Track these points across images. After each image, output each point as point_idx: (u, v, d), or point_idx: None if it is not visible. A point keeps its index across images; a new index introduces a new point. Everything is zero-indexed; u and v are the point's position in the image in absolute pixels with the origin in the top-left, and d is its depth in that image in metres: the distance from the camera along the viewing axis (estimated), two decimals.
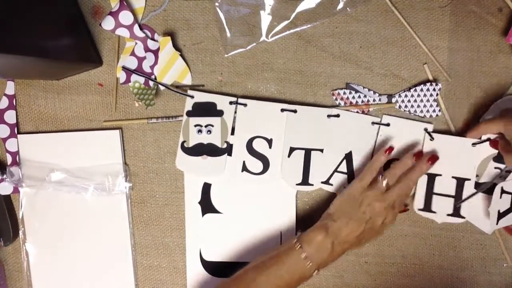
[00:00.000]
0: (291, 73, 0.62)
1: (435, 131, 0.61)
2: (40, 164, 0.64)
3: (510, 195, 0.57)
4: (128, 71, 0.61)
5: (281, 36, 0.62)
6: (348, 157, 0.61)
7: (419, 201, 0.60)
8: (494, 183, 0.58)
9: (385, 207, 0.54)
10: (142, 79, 0.61)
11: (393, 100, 0.61)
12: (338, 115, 0.60)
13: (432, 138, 0.59)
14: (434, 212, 0.60)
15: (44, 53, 0.53)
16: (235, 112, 0.60)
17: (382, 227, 0.55)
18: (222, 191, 0.63)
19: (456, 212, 0.60)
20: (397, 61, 0.61)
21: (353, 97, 0.61)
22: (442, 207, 0.60)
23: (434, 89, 0.60)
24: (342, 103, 0.62)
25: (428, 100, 0.61)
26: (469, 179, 0.59)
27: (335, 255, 0.54)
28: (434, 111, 0.61)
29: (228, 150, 0.61)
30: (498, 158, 0.58)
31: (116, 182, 0.63)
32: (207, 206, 0.64)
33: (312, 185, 0.61)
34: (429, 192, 0.59)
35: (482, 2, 0.60)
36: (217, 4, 0.61)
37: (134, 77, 0.61)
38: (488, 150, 0.58)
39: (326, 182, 0.61)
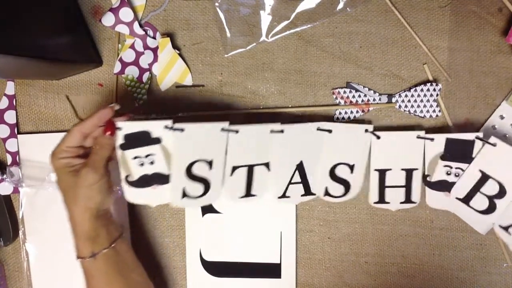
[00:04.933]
0: (291, 73, 0.62)
1: (378, 128, 0.59)
2: (40, 164, 0.64)
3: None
4: (123, 62, 0.61)
5: (281, 36, 0.62)
6: (300, 167, 0.59)
7: (373, 195, 0.61)
8: (445, 180, 0.59)
9: None
10: (136, 73, 0.61)
11: (393, 100, 0.61)
12: (282, 131, 0.56)
13: (378, 137, 0.59)
14: (388, 203, 0.61)
15: (44, 53, 0.53)
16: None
17: None
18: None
19: (408, 199, 0.60)
20: (397, 61, 0.61)
21: (353, 96, 0.62)
22: (395, 197, 0.61)
23: (434, 90, 0.60)
24: (342, 102, 0.62)
25: (428, 101, 0.61)
26: (417, 169, 0.60)
27: None
28: (434, 111, 0.61)
29: None
30: (444, 156, 0.58)
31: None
32: (207, 206, 0.63)
33: (255, 195, 0.59)
34: (382, 186, 0.60)
35: (482, 2, 0.60)
36: (217, 4, 0.61)
37: (129, 69, 0.61)
38: (434, 149, 0.58)
39: (283, 196, 0.60)
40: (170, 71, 0.62)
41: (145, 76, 0.62)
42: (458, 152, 0.58)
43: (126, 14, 0.59)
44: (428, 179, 0.60)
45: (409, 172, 0.60)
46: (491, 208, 0.58)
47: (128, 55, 0.61)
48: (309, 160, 0.59)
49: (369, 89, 0.62)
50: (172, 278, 0.66)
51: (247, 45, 0.62)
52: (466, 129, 0.61)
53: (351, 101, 0.62)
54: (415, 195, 0.60)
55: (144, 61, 0.62)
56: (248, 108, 0.63)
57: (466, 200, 0.59)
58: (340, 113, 0.62)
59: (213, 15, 0.62)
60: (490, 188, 0.57)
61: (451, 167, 0.58)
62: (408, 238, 0.63)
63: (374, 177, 0.60)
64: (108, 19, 0.59)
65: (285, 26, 0.61)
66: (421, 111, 0.61)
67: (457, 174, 0.58)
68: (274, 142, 0.57)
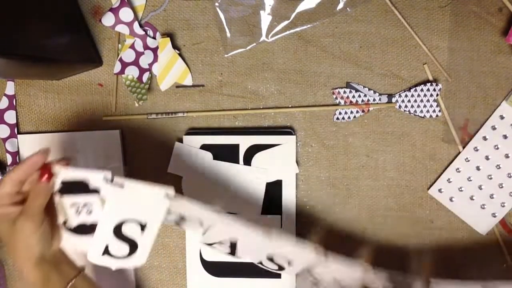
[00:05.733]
0: (291, 73, 0.62)
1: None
2: None
3: None
4: (123, 62, 0.61)
5: (281, 36, 0.62)
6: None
7: None
8: None
9: None
10: (136, 73, 0.61)
11: (393, 100, 0.61)
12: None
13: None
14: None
15: (44, 53, 0.53)
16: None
17: None
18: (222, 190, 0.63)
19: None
20: (397, 61, 0.61)
21: (353, 96, 0.62)
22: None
23: (434, 89, 0.60)
24: (342, 102, 0.62)
25: (428, 100, 0.61)
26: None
27: None
28: (434, 111, 0.61)
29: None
30: None
31: None
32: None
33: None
34: None
35: (482, 2, 0.60)
36: (217, 4, 0.61)
37: (129, 69, 0.61)
38: None
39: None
40: (170, 71, 0.62)
41: (145, 76, 0.62)
42: None
43: (126, 14, 0.59)
44: None
45: None
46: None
47: (128, 55, 0.61)
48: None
49: (369, 89, 0.62)
50: (172, 278, 0.66)
51: (247, 45, 0.62)
52: (466, 129, 0.61)
53: (351, 101, 0.62)
54: None
55: (144, 61, 0.62)
56: (248, 108, 0.63)
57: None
58: (340, 113, 0.62)
59: (213, 15, 0.62)
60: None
61: None
62: (408, 238, 0.63)
63: None
64: (108, 19, 0.59)
65: (285, 26, 0.61)
66: (421, 111, 0.61)
67: None
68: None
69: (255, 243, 0.52)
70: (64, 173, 0.48)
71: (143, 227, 0.50)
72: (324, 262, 0.50)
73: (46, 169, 0.48)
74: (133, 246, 0.51)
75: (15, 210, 0.47)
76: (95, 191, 0.48)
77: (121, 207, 0.49)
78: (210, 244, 0.55)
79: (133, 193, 0.48)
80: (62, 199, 0.49)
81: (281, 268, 0.54)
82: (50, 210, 0.49)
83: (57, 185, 0.48)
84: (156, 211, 0.50)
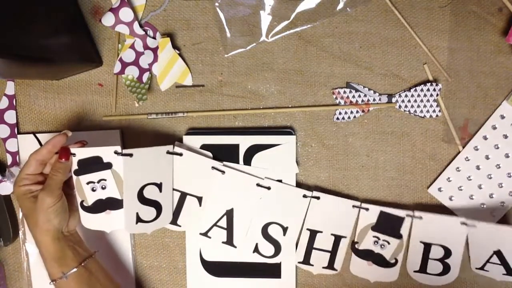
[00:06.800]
0: (291, 73, 0.63)
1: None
2: None
3: None
4: (123, 62, 0.61)
5: (281, 36, 0.62)
6: (230, 213, 0.61)
7: (299, 255, 0.62)
8: (371, 250, 0.61)
9: None
10: (136, 73, 0.61)
11: (393, 100, 0.61)
12: (223, 171, 0.60)
13: (318, 198, 0.61)
14: (312, 265, 0.62)
15: (44, 53, 0.53)
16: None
17: None
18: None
19: (331, 266, 0.63)
20: (397, 61, 0.61)
21: (353, 96, 0.62)
22: (319, 260, 0.62)
23: (434, 89, 0.60)
24: (342, 102, 0.62)
25: (428, 100, 0.61)
26: (345, 237, 0.61)
27: None
28: (434, 111, 0.61)
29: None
30: (375, 227, 0.61)
31: None
32: None
33: (180, 226, 0.62)
34: (310, 247, 0.62)
35: (482, 2, 0.60)
36: (217, 4, 0.61)
37: (129, 69, 0.61)
38: (367, 219, 0.61)
39: (205, 234, 0.62)
40: (170, 71, 0.62)
41: (145, 76, 0.62)
42: (388, 226, 0.60)
43: (126, 14, 0.59)
44: (356, 246, 0.62)
45: (337, 239, 0.61)
46: (446, 268, 0.60)
47: (128, 55, 0.61)
48: (240, 210, 0.61)
49: (369, 89, 0.62)
50: (172, 278, 0.66)
51: (247, 45, 0.62)
52: (466, 129, 0.61)
53: (351, 101, 0.62)
54: (338, 263, 0.62)
55: (144, 61, 0.62)
56: (248, 108, 0.63)
57: (423, 269, 0.61)
58: (340, 113, 0.62)
59: (213, 15, 0.62)
60: (436, 252, 0.60)
61: (379, 238, 0.61)
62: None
63: (305, 236, 0.62)
64: (108, 19, 0.59)
65: (285, 26, 0.61)
66: (421, 111, 0.61)
67: (383, 246, 0.61)
68: (214, 180, 0.61)
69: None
70: (80, 152, 0.55)
71: (160, 187, 0.59)
72: None
73: (64, 150, 0.54)
74: (158, 207, 0.59)
75: (37, 188, 0.53)
76: (108, 166, 0.56)
77: (137, 173, 0.57)
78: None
79: (142, 158, 0.56)
80: (78, 179, 0.55)
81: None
82: (68, 192, 0.56)
83: (74, 165, 0.55)
84: (165, 168, 0.59)
